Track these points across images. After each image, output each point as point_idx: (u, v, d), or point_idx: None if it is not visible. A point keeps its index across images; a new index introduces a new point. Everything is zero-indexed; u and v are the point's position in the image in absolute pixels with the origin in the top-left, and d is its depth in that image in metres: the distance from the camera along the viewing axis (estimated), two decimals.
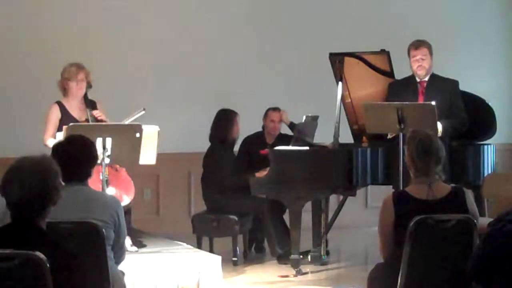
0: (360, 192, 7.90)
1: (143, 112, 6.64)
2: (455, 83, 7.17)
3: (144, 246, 6.97)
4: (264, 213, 7.60)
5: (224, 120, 7.84)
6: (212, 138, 7.85)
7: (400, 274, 4.50)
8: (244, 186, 7.32)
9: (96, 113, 6.92)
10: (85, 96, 6.98)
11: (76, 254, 3.51)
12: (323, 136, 7.62)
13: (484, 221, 4.79)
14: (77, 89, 6.92)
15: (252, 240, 8.09)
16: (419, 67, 7.05)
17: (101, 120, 6.90)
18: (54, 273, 3.36)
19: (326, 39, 9.12)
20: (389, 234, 4.62)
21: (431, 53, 7.10)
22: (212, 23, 9.28)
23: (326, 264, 7.60)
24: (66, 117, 6.83)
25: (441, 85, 7.07)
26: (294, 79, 9.42)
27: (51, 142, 6.65)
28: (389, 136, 7.04)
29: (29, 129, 7.83)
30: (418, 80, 7.12)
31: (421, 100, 7.00)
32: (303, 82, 9.37)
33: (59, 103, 6.93)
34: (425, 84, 7.10)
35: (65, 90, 6.96)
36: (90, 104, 6.97)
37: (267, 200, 7.48)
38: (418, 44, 7.09)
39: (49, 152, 4.30)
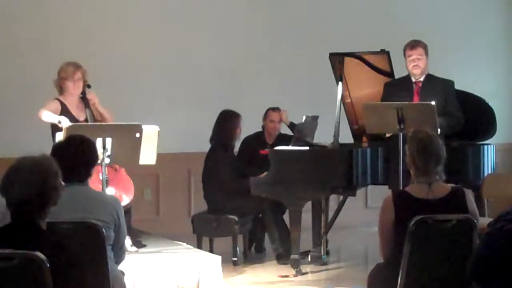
0: (360, 192, 7.91)
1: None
2: (450, 83, 7.16)
3: (144, 246, 6.97)
4: (265, 212, 7.60)
5: (227, 123, 7.79)
6: (214, 140, 7.81)
7: (400, 274, 4.50)
8: (245, 187, 7.31)
9: (90, 98, 6.93)
10: (83, 95, 6.98)
11: (76, 254, 3.52)
12: (323, 136, 7.62)
13: (484, 221, 4.79)
14: (74, 88, 6.92)
15: (252, 240, 8.09)
16: (415, 67, 7.05)
17: (94, 105, 6.91)
18: (54, 273, 3.36)
19: (326, 39, 9.13)
20: (389, 234, 4.62)
21: (426, 53, 7.10)
22: (212, 23, 9.28)
23: (326, 264, 7.60)
24: (65, 115, 6.82)
25: (436, 85, 7.06)
26: (294, 79, 9.42)
27: (46, 114, 6.70)
28: (388, 135, 7.05)
29: (29, 129, 7.83)
30: (413, 80, 7.12)
31: (416, 100, 7.00)
32: (303, 82, 9.37)
33: (59, 100, 6.94)
34: (420, 84, 7.09)
35: (61, 89, 6.96)
36: (89, 105, 6.98)
37: (268, 199, 7.48)
38: (414, 44, 7.09)
39: (47, 149, 4.30)
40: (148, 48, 9.04)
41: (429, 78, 7.13)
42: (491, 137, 7.51)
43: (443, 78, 7.17)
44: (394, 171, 6.88)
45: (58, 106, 6.88)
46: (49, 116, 6.73)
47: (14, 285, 3.38)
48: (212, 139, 7.82)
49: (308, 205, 7.50)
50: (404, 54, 7.12)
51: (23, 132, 8.16)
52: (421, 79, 7.10)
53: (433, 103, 6.56)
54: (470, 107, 7.37)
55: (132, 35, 8.99)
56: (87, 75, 6.99)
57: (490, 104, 7.50)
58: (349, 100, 7.70)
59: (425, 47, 7.10)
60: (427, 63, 7.11)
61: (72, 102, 6.96)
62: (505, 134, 9.21)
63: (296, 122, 7.81)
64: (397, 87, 7.16)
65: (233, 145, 7.91)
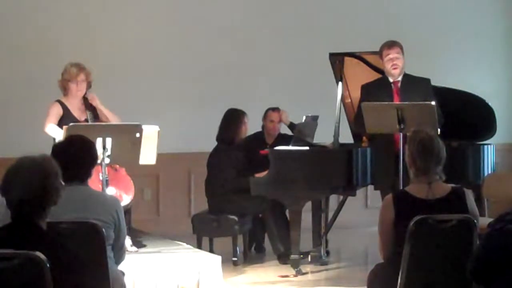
0: (360, 192, 7.91)
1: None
2: (427, 81, 7.11)
3: (144, 246, 6.97)
4: (266, 211, 7.60)
5: (231, 121, 7.77)
6: (219, 139, 7.79)
7: (400, 274, 4.50)
8: (246, 187, 7.30)
9: (90, 98, 6.94)
10: (85, 97, 6.99)
11: (76, 254, 3.52)
12: (323, 136, 7.62)
13: (484, 221, 4.80)
14: (77, 90, 6.93)
15: (252, 240, 8.08)
16: (394, 66, 6.99)
17: (95, 105, 6.92)
18: (54, 273, 3.36)
19: (326, 39, 9.12)
20: (389, 234, 4.62)
21: (403, 53, 7.06)
22: (212, 23, 9.27)
23: (326, 264, 7.60)
24: (66, 116, 6.84)
25: (414, 84, 7.02)
26: (294, 79, 9.42)
27: (50, 128, 6.71)
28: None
29: (29, 129, 7.83)
30: (391, 80, 7.07)
31: (396, 101, 6.96)
32: (303, 82, 9.37)
33: (60, 102, 6.95)
34: (398, 84, 7.06)
35: (65, 90, 6.98)
36: (90, 106, 6.98)
37: (268, 199, 7.47)
38: (391, 44, 7.06)
39: (47, 149, 4.30)
40: (148, 48, 9.04)
41: (407, 77, 7.07)
42: (491, 137, 7.51)
43: (419, 76, 7.11)
44: (381, 172, 6.92)
45: (59, 110, 6.90)
46: (52, 130, 6.73)
47: (14, 285, 3.38)
48: (217, 138, 7.82)
49: (308, 205, 7.50)
50: (381, 55, 7.07)
51: (23, 132, 8.16)
52: (399, 79, 7.07)
53: (433, 103, 6.56)
54: (470, 107, 7.37)
55: (132, 35, 8.98)
56: (91, 77, 6.99)
57: (490, 104, 7.50)
58: (349, 100, 7.69)
59: (401, 47, 7.07)
60: (404, 63, 7.07)
61: (75, 103, 6.97)
62: (505, 134, 9.21)
63: (296, 122, 7.81)
64: (375, 89, 7.07)
65: (237, 143, 7.85)
